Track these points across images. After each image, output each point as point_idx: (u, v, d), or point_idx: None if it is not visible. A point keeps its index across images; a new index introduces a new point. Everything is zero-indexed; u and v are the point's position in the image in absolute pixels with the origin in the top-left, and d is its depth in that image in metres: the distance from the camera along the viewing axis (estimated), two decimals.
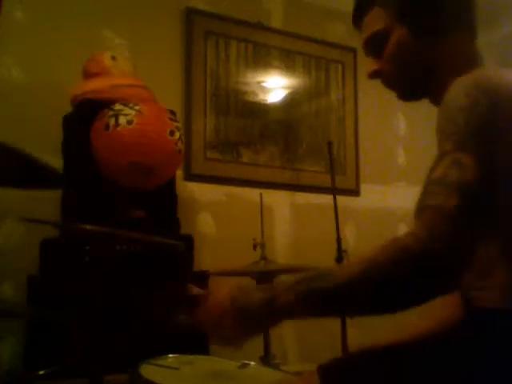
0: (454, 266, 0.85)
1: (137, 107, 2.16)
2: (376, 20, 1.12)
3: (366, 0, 1.15)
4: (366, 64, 1.18)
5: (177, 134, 2.26)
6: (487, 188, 0.87)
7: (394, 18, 1.10)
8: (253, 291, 0.98)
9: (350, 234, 3.32)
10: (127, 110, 2.15)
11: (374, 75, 1.16)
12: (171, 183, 2.48)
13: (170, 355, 1.37)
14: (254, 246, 2.37)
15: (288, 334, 3.09)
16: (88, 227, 1.39)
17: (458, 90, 0.95)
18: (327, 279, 0.91)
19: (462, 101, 0.92)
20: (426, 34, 1.09)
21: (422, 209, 0.88)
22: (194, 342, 1.64)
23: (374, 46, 1.14)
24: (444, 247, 0.83)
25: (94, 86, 2.36)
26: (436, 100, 1.11)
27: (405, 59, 1.11)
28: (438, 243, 0.83)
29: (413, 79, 1.13)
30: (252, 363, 1.37)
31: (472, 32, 1.13)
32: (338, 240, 2.76)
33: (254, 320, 0.97)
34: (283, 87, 3.34)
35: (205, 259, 2.77)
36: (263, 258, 2.12)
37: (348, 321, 2.56)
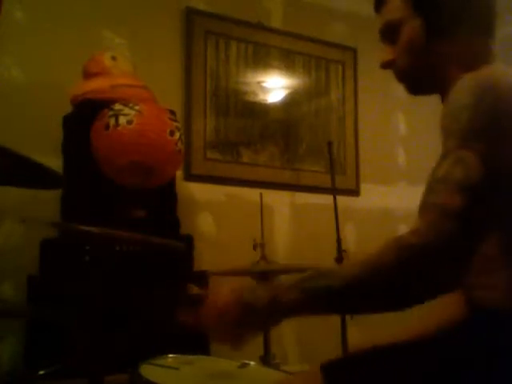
0: (457, 264, 0.85)
1: (137, 107, 2.16)
2: (393, 9, 1.12)
3: None
4: (380, 54, 1.18)
5: (177, 134, 2.25)
6: (491, 187, 0.87)
7: (411, 8, 1.10)
8: (257, 289, 0.98)
9: (349, 234, 3.32)
10: (127, 110, 2.15)
11: (386, 65, 1.17)
12: (171, 183, 2.48)
13: (170, 355, 1.37)
14: (254, 246, 2.37)
15: (288, 334, 3.09)
16: (88, 228, 1.38)
17: (462, 88, 0.95)
18: (333, 277, 0.91)
19: (466, 99, 0.92)
20: (439, 27, 1.09)
21: (425, 207, 0.87)
22: (194, 342, 1.64)
23: (389, 35, 1.14)
24: (447, 245, 0.84)
25: (94, 85, 2.36)
26: (444, 97, 1.10)
27: (415, 51, 1.11)
28: (440, 241, 0.83)
29: (421, 73, 1.13)
30: (252, 363, 1.38)
31: (488, 31, 1.12)
32: (338, 240, 2.76)
33: (258, 317, 0.96)
34: (283, 87, 3.34)
35: (205, 259, 2.77)
36: (263, 257, 2.12)
37: (348, 320, 2.56)
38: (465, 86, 0.95)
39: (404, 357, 1.01)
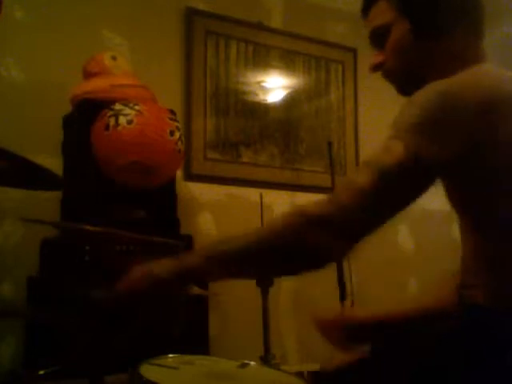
0: (346, 236, 0.91)
1: (137, 107, 2.16)
2: (380, 13, 1.14)
3: None
4: (369, 57, 1.20)
5: (177, 134, 2.26)
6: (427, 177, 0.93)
7: (398, 10, 1.12)
8: (164, 260, 1.05)
9: None
10: (127, 110, 2.15)
11: (375, 68, 1.18)
12: (171, 183, 2.48)
13: (170, 355, 1.37)
14: None
15: (288, 334, 3.09)
16: (88, 227, 1.39)
17: (422, 89, 0.97)
18: (232, 243, 0.99)
19: (417, 97, 0.96)
20: (427, 28, 1.10)
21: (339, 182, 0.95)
22: (194, 342, 1.64)
23: (378, 38, 1.16)
24: (339, 214, 0.89)
25: (94, 85, 2.36)
26: None
27: (404, 53, 1.13)
28: (334, 209, 0.89)
29: (411, 73, 1.14)
30: (252, 363, 1.38)
31: (477, 31, 1.13)
32: None
33: (166, 284, 1.05)
34: (283, 87, 3.34)
35: None
36: None
37: None
38: (424, 88, 0.97)
39: (391, 357, 1.03)
